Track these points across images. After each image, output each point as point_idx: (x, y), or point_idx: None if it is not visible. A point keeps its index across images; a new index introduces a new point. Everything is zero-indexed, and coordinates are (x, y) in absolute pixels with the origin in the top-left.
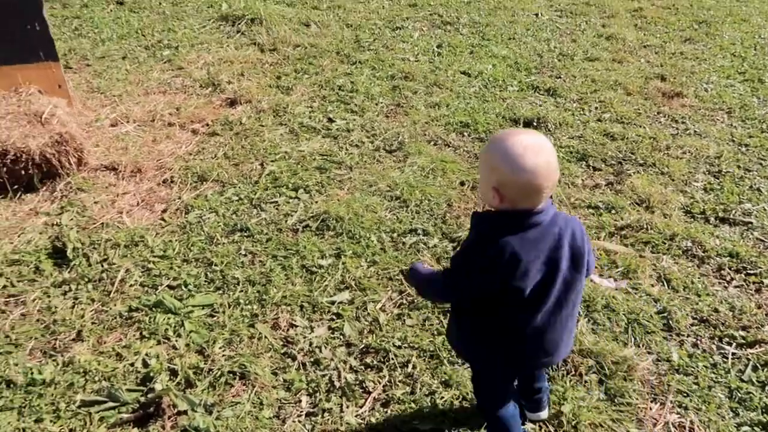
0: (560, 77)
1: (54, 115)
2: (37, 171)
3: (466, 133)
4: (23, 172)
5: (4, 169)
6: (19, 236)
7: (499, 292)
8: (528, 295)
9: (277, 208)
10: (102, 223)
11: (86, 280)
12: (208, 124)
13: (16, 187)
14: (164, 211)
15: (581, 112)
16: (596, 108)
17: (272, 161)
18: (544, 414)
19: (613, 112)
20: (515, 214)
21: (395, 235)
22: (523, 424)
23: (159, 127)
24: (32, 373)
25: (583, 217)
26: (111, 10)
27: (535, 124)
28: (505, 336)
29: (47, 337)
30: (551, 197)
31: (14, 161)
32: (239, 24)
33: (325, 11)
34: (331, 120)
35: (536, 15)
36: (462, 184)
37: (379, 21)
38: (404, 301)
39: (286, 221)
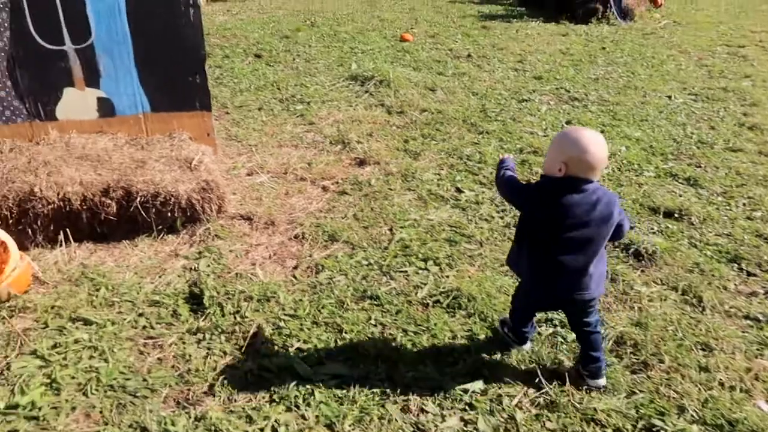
0: (700, 166)
1: (202, 162)
2: (181, 215)
3: None
4: (169, 215)
5: (153, 210)
6: (159, 277)
7: (541, 221)
8: (561, 232)
9: (406, 278)
10: (236, 273)
11: (219, 330)
12: (338, 182)
13: (160, 227)
14: (295, 267)
15: (727, 207)
16: (744, 204)
17: (401, 228)
18: (602, 382)
19: (765, 211)
20: (571, 180)
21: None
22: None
23: (291, 181)
24: (166, 424)
25: (740, 329)
26: (249, 62)
27: (676, 215)
28: (537, 264)
29: (181, 386)
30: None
31: (163, 203)
32: (368, 84)
33: (451, 78)
34: (459, 190)
35: (669, 97)
36: None
37: (505, 92)
38: (542, 401)
39: (416, 294)
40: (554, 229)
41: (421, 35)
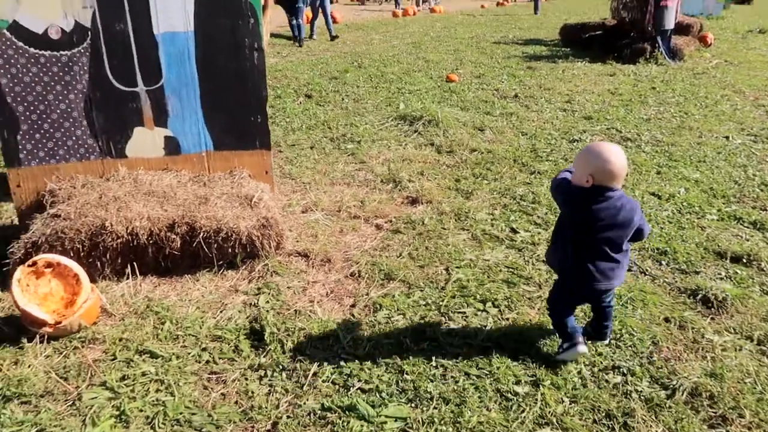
0: (765, 209)
1: (261, 199)
2: (241, 250)
3: (663, 262)
4: (230, 250)
5: (215, 245)
6: (221, 312)
7: (574, 221)
8: (601, 236)
9: (465, 320)
10: (295, 310)
11: (281, 368)
12: (391, 221)
13: (221, 263)
14: (353, 305)
15: None
16: None
17: (457, 267)
18: (606, 341)
19: None
20: (598, 189)
21: (596, 369)
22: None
23: (345, 218)
24: None
25: None
26: (300, 102)
27: (745, 260)
28: (577, 261)
29: (245, 423)
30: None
31: (225, 239)
32: (416, 124)
33: (498, 117)
34: (514, 230)
35: (726, 138)
36: (667, 320)
37: (554, 131)
38: None
39: (476, 336)
40: (586, 231)
41: (467, 76)
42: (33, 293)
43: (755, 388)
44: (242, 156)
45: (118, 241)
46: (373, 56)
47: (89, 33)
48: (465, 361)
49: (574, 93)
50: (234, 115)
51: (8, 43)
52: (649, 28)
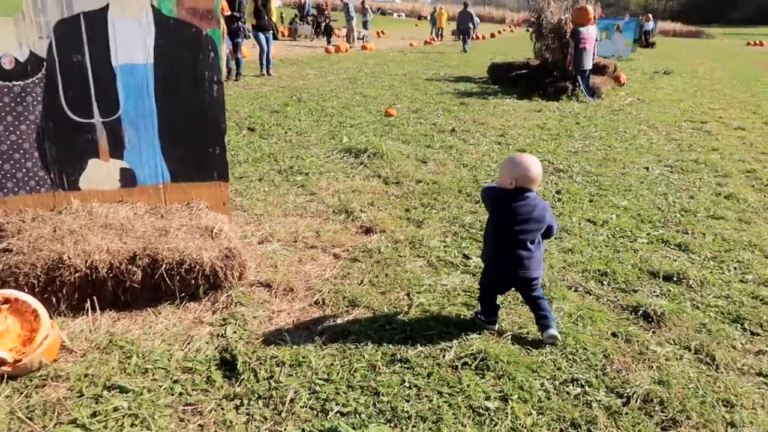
0: (687, 233)
1: (222, 230)
2: (204, 282)
3: (605, 282)
4: (192, 282)
5: (178, 277)
6: (188, 344)
7: (501, 218)
8: (519, 228)
9: (431, 342)
10: (264, 339)
11: (256, 396)
12: (348, 250)
13: (183, 295)
14: (321, 332)
15: (720, 271)
16: (735, 268)
17: (418, 293)
18: (553, 332)
19: (756, 274)
20: (519, 190)
21: (557, 383)
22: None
23: (302, 248)
24: None
25: (756, 386)
26: (244, 135)
27: (675, 279)
28: (503, 251)
29: None
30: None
31: (188, 271)
32: (362, 156)
33: (439, 150)
34: (466, 257)
35: (647, 169)
36: (614, 335)
37: (492, 163)
38: None
39: (443, 356)
40: (508, 225)
41: (404, 111)
42: None
43: (698, 392)
44: (200, 187)
45: (77, 275)
46: (311, 91)
47: (45, 63)
48: (437, 381)
49: (506, 127)
50: (192, 147)
51: None
52: (570, 68)
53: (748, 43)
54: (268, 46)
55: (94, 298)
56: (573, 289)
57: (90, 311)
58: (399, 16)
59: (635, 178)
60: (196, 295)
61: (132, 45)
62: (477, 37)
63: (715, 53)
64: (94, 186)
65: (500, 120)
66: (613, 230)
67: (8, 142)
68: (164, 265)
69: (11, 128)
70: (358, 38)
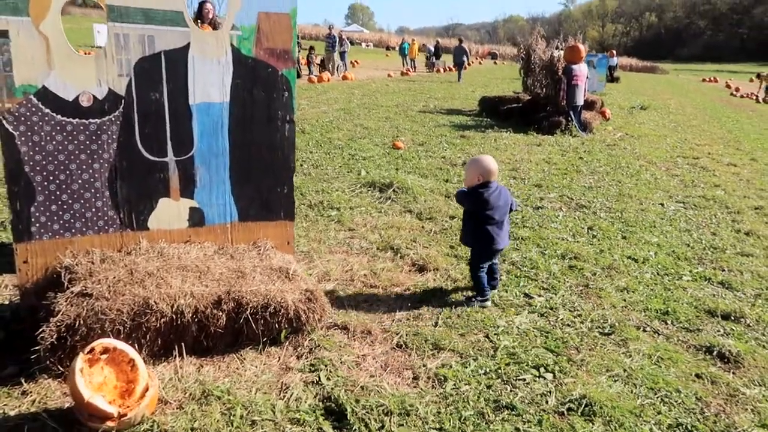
0: (724, 270)
1: (297, 272)
2: (287, 326)
3: (668, 321)
4: (276, 326)
5: (262, 321)
6: (284, 392)
7: (478, 208)
8: (493, 213)
9: (528, 386)
10: (361, 386)
11: None
12: (408, 289)
13: (264, 339)
14: (415, 378)
15: None
16: None
17: (495, 335)
18: (489, 301)
19: None
20: (485, 183)
21: (664, 427)
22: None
23: (361, 288)
24: None
25: None
26: None
27: (733, 318)
28: (483, 232)
29: None
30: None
31: (273, 314)
32: (387, 191)
33: (457, 184)
34: (527, 296)
35: (661, 205)
36: (698, 377)
37: (516, 198)
38: None
39: (546, 401)
40: (482, 211)
41: (409, 143)
42: (88, 383)
43: None
44: (267, 227)
45: (162, 320)
46: (311, 122)
47: (122, 101)
48: (550, 428)
49: (514, 162)
50: (262, 186)
51: (33, 109)
52: (563, 104)
53: (703, 80)
54: None
55: (176, 344)
56: (641, 329)
57: (173, 358)
58: (368, 46)
59: (654, 214)
60: (277, 339)
61: (210, 84)
62: (450, 69)
63: (677, 89)
64: (162, 226)
65: (506, 154)
66: (655, 268)
67: (80, 181)
68: (249, 309)
69: (84, 166)
70: (344, 69)
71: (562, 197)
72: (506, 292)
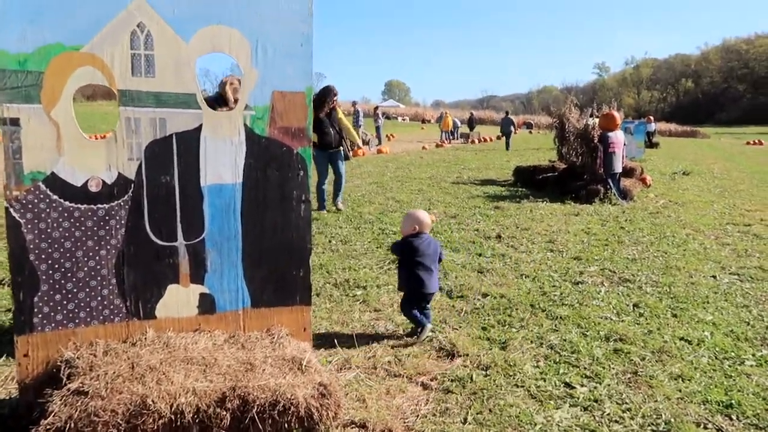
0: None
1: (311, 362)
2: (297, 425)
3: (733, 416)
4: (285, 426)
5: (269, 420)
6: None
7: (410, 255)
8: (423, 260)
9: None
10: None
11: None
12: (436, 378)
13: None
14: None
15: None
16: None
17: None
18: (430, 324)
19: None
20: (417, 234)
21: None
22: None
23: (384, 377)
24: None
25: None
26: None
27: None
28: (414, 277)
29: None
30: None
31: (281, 413)
32: None
33: (492, 259)
34: (569, 385)
35: (714, 277)
36: None
37: (553, 273)
38: None
39: None
40: (414, 258)
41: (441, 216)
42: None
43: None
44: (281, 313)
45: (160, 421)
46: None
47: (132, 185)
48: None
49: (551, 233)
50: (276, 269)
51: (41, 196)
52: (600, 171)
53: (747, 143)
54: (337, 172)
55: None
56: (701, 425)
57: None
58: (404, 120)
59: (707, 288)
60: None
61: (222, 165)
62: (484, 140)
63: (720, 153)
64: (171, 314)
65: (542, 225)
66: (713, 351)
67: (86, 269)
68: (256, 407)
69: (91, 253)
70: (364, 142)
71: (604, 270)
72: (544, 380)
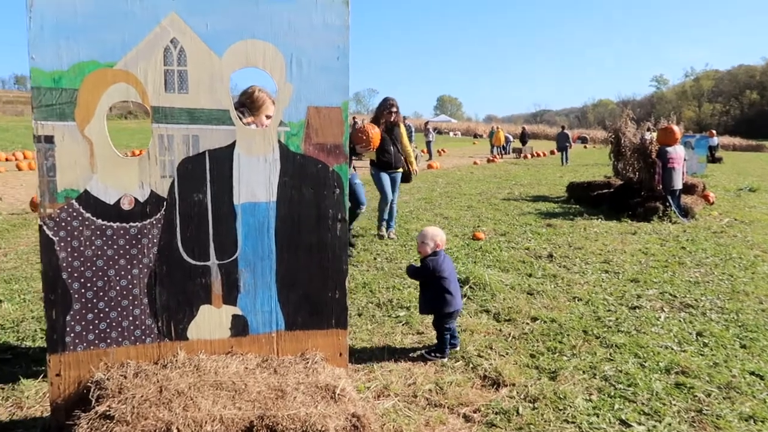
0: None
1: (345, 390)
2: None
3: None
4: None
5: None
6: None
7: (432, 276)
8: (446, 278)
9: None
10: None
11: None
12: (479, 410)
13: None
14: None
15: None
16: None
17: None
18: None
19: None
20: (436, 252)
21: None
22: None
23: (425, 406)
24: None
25: None
26: None
27: None
28: (441, 298)
29: None
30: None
31: None
32: (463, 288)
33: (543, 280)
34: (625, 423)
35: None
36: None
37: (608, 296)
38: None
39: None
40: (438, 278)
41: (490, 233)
42: None
43: None
44: (316, 336)
45: None
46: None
47: (164, 203)
48: None
49: (606, 252)
50: (310, 291)
51: (74, 214)
52: (659, 188)
53: None
54: (393, 193)
55: None
56: None
57: None
58: (455, 134)
59: None
60: None
61: (255, 182)
62: (537, 155)
63: None
64: (202, 335)
65: (596, 244)
66: None
67: (118, 288)
68: None
69: (123, 272)
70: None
71: (664, 294)
72: (597, 416)
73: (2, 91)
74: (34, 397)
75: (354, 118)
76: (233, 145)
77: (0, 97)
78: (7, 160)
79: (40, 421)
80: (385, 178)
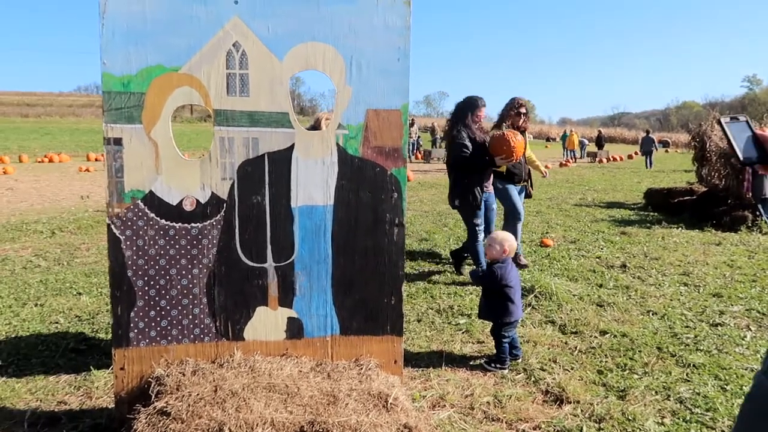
0: None
1: (397, 399)
2: None
3: None
4: None
5: None
6: None
7: (498, 283)
8: (511, 287)
9: None
10: None
11: None
12: (539, 427)
13: None
14: None
15: None
16: None
17: None
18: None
19: None
20: (506, 258)
21: None
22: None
23: (482, 419)
24: None
25: None
26: None
27: None
28: (503, 307)
29: None
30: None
31: None
32: (528, 297)
33: (614, 291)
34: None
35: None
36: None
37: (686, 311)
38: None
39: None
40: (503, 286)
41: (560, 240)
42: None
43: None
44: (371, 342)
45: None
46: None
47: (224, 205)
48: None
49: (686, 264)
50: (366, 295)
51: (140, 213)
52: (748, 196)
53: None
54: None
55: None
56: None
57: None
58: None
59: None
60: None
61: (313, 185)
62: (614, 159)
63: None
64: (259, 336)
65: (675, 254)
66: None
67: (179, 287)
68: None
69: (184, 272)
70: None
71: (750, 312)
72: None
73: (95, 96)
74: (103, 388)
75: (413, 119)
76: (292, 147)
77: (92, 101)
78: (96, 160)
79: (106, 412)
80: (514, 191)
